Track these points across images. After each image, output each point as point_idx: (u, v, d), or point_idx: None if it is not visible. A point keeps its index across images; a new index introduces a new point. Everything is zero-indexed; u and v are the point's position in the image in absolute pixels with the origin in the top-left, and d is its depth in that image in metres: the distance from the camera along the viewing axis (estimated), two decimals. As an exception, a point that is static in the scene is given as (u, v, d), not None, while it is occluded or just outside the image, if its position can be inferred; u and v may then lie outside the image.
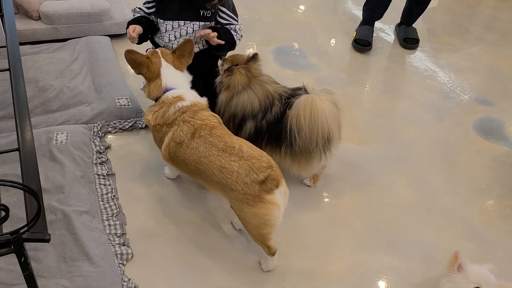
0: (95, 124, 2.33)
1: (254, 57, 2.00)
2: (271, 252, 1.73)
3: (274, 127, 1.93)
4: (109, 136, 2.33)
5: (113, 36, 3.01)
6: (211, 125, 1.75)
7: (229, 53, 2.18)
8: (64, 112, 2.39)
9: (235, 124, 2.00)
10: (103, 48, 2.86)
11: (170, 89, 1.84)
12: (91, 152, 2.18)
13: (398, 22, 3.36)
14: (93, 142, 2.23)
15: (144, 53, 1.90)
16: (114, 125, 2.36)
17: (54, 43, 2.90)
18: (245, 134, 1.98)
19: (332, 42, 3.31)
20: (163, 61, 1.88)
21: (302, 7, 3.76)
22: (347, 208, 2.09)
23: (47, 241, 1.07)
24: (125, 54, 1.82)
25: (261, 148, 1.74)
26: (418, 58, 3.21)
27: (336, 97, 1.95)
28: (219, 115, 1.94)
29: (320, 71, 2.95)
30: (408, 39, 3.21)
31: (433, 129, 2.62)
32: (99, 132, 2.29)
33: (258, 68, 2.02)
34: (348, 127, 2.54)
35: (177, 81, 1.88)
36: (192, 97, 1.83)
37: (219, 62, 2.09)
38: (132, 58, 1.83)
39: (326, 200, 2.13)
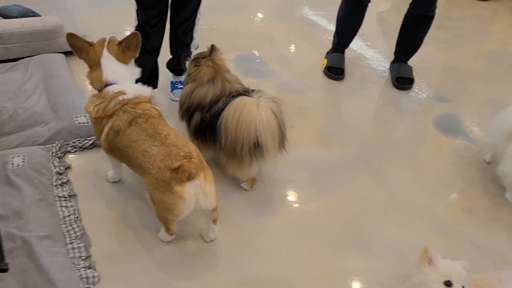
0: (53, 145, 2.23)
1: (213, 47, 2.08)
2: (169, 233, 1.80)
3: (213, 122, 1.96)
4: (69, 156, 2.24)
5: (68, 53, 2.91)
6: (150, 115, 1.78)
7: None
8: (19, 134, 2.28)
9: (189, 114, 2.07)
10: (57, 65, 2.76)
11: (112, 84, 1.84)
12: (50, 173, 2.09)
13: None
14: (52, 163, 2.14)
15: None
16: (74, 144, 2.28)
17: (5, 63, 2.78)
18: (192, 124, 2.05)
19: (292, 48, 3.34)
20: (105, 51, 1.86)
21: (260, 15, 3.78)
22: (317, 212, 2.09)
23: (5, 270, 1.01)
24: (66, 36, 1.83)
25: (202, 140, 1.86)
26: (375, 59, 3.28)
27: (282, 106, 1.97)
28: (180, 105, 2.05)
29: (282, 77, 2.96)
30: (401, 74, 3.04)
31: (395, 128, 2.67)
32: (58, 152, 2.20)
33: (222, 60, 2.09)
34: (312, 131, 2.56)
35: (119, 74, 1.87)
36: (134, 91, 1.84)
37: (186, 63, 2.15)
38: (72, 42, 1.84)
39: (295, 205, 2.12)
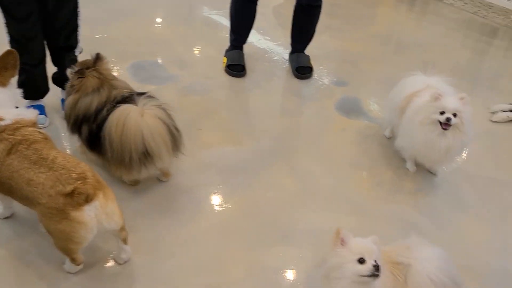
0: None
1: (98, 56, 1.97)
2: (76, 264, 1.67)
3: (99, 131, 1.87)
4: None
5: None
6: (33, 140, 1.61)
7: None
8: None
9: (77, 127, 1.97)
10: None
11: None
12: None
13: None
14: None
15: None
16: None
17: None
18: (83, 137, 1.96)
19: (191, 50, 3.27)
20: None
21: (154, 18, 3.64)
22: (234, 212, 2.05)
23: None
24: None
25: (95, 153, 1.73)
26: (275, 52, 3.32)
27: (169, 111, 1.94)
28: (67, 119, 1.93)
29: (183, 80, 2.88)
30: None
31: (301, 117, 2.73)
32: None
33: (108, 69, 2.01)
34: (221, 131, 2.52)
35: None
36: (13, 115, 1.66)
37: (68, 71, 2.02)
38: None
39: (212, 209, 2.07)
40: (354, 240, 1.41)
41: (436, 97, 2.07)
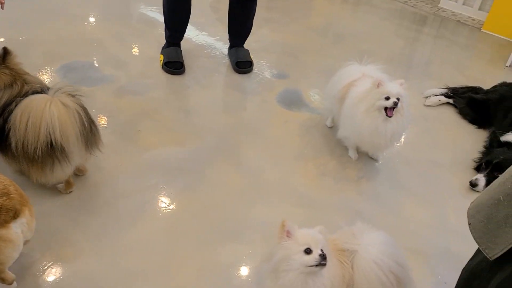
0: None
1: (5, 51, 1.86)
2: (8, 283, 1.55)
3: (5, 125, 1.75)
4: None
5: None
6: None
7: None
8: None
9: None
10: None
11: None
12: None
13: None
14: None
15: None
16: None
17: None
18: None
19: (127, 49, 3.13)
20: None
21: (86, 18, 3.46)
22: (181, 213, 1.99)
23: None
24: None
25: (3, 152, 1.62)
26: (214, 47, 3.27)
27: (82, 98, 1.85)
28: None
29: (118, 81, 2.75)
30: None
31: (243, 112, 2.70)
32: None
33: (19, 63, 1.90)
34: (162, 131, 2.44)
35: None
36: None
37: None
38: None
39: (157, 212, 1.99)
40: (300, 231, 1.40)
41: (378, 84, 2.11)
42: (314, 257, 1.33)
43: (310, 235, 1.38)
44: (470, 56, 3.86)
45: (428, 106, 3.00)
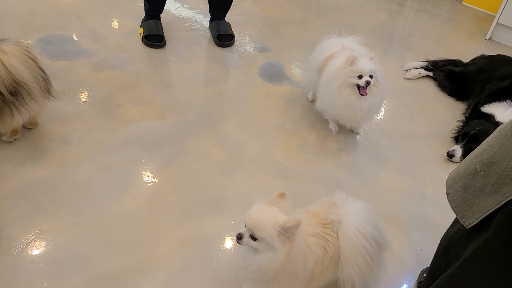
0: None
1: None
2: None
3: None
4: None
5: None
6: None
7: None
8: None
9: None
10: None
11: None
12: None
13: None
14: None
15: None
16: None
17: None
18: None
19: (105, 22, 3.07)
20: None
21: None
22: (162, 187, 2.00)
23: None
24: None
25: None
26: (195, 21, 3.22)
27: (31, 50, 1.90)
28: None
29: (97, 55, 2.70)
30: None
31: (225, 85, 2.69)
32: None
33: None
34: (142, 105, 2.42)
35: None
36: None
37: None
38: None
39: (140, 185, 2.00)
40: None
41: (352, 61, 2.11)
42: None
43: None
44: (450, 29, 3.88)
45: (408, 79, 3.03)
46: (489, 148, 1.16)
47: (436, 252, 1.57)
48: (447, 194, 1.29)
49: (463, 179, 1.24)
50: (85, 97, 2.40)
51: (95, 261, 1.68)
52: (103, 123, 2.26)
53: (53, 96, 2.01)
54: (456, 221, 1.48)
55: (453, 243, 1.42)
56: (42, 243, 1.70)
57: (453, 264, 1.30)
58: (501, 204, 1.11)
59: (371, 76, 2.11)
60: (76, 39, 2.81)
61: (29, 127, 2.11)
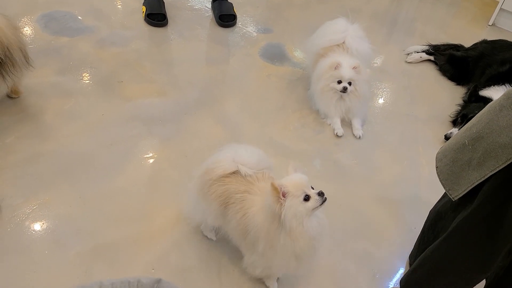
0: None
1: None
2: None
3: None
4: None
5: None
6: None
7: None
8: None
9: None
10: None
11: None
12: None
13: None
14: None
15: None
16: None
17: None
18: None
19: (108, 0, 3.07)
20: None
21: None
22: (162, 163, 2.04)
23: None
24: None
25: None
26: (197, 0, 3.22)
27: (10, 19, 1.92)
28: None
29: (99, 32, 2.72)
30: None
31: (226, 65, 2.71)
32: None
33: None
34: (144, 83, 2.44)
35: None
36: None
37: None
38: None
39: (140, 160, 2.03)
40: (288, 184, 1.36)
41: (335, 67, 2.25)
42: (315, 199, 1.37)
43: (297, 181, 1.38)
44: (454, 14, 3.86)
45: (409, 62, 3.03)
46: (478, 122, 1.19)
47: (424, 225, 1.61)
48: (436, 167, 1.32)
49: (452, 153, 1.27)
50: (87, 73, 2.42)
51: (95, 232, 1.72)
52: (105, 100, 2.29)
53: (31, 66, 2.03)
54: (444, 195, 1.51)
55: (440, 216, 1.45)
56: (44, 213, 1.75)
57: (440, 236, 1.33)
58: (485, 177, 1.14)
59: (350, 83, 2.27)
60: (79, 16, 2.82)
61: (13, 96, 2.15)
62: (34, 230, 1.69)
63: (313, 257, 1.51)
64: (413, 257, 1.63)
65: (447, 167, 1.29)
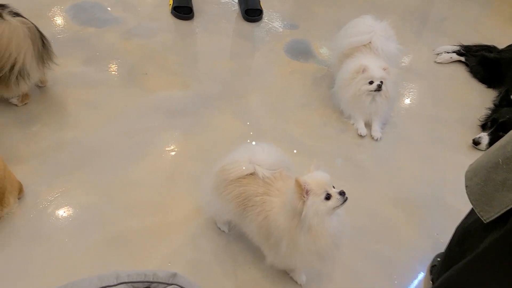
0: None
1: None
2: None
3: None
4: None
5: None
6: None
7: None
8: None
9: None
10: None
11: None
12: None
13: None
14: None
15: None
16: None
17: None
18: None
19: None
20: None
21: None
22: (180, 155, 2.04)
23: None
24: None
25: None
26: (224, -5, 3.21)
27: (29, 22, 1.93)
28: None
29: (126, 23, 2.74)
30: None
31: (249, 60, 2.69)
32: None
33: None
34: (167, 75, 2.45)
35: None
36: None
37: None
38: None
39: (159, 151, 2.04)
40: (311, 182, 1.35)
41: (363, 70, 2.20)
42: (336, 198, 1.36)
43: (320, 179, 1.37)
44: (488, 13, 3.72)
45: (439, 63, 2.94)
46: None
47: (450, 240, 1.54)
48: (466, 186, 1.24)
49: (484, 172, 1.19)
50: (113, 64, 2.45)
51: (114, 222, 1.74)
52: (128, 90, 2.31)
53: (55, 63, 2.08)
54: (472, 211, 1.44)
55: (469, 234, 1.38)
56: (65, 202, 1.78)
57: (468, 255, 1.27)
58: None
59: (381, 82, 2.21)
60: (107, 7, 2.85)
61: (39, 85, 2.20)
62: (55, 218, 1.72)
63: (335, 254, 1.50)
64: (436, 273, 1.57)
65: (478, 187, 1.21)
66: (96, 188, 1.85)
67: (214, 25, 2.88)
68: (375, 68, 2.21)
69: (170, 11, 2.89)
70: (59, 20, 2.65)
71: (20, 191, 1.71)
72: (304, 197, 1.34)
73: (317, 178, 1.38)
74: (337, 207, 1.37)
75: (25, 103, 2.11)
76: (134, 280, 1.49)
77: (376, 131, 2.31)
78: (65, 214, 1.74)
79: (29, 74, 1.92)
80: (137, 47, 2.57)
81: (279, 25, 3.00)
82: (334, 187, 1.39)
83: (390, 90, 2.27)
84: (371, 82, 2.21)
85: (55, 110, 2.13)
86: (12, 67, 1.84)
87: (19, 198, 1.71)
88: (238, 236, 1.72)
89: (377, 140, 2.29)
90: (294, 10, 3.22)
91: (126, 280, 1.46)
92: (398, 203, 2.00)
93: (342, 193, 1.37)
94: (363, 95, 2.25)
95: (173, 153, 2.05)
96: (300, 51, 2.80)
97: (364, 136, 2.29)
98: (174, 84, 2.39)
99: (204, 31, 2.82)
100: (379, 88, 2.20)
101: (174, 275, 1.48)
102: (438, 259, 1.71)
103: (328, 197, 1.36)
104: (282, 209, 1.42)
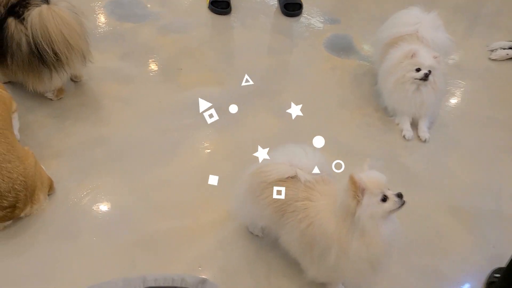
0: None
1: None
2: None
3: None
4: None
5: None
6: None
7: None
8: None
9: None
10: None
11: None
12: None
13: None
14: None
15: None
16: None
17: None
18: None
19: (173, -13, 3.04)
20: None
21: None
22: (214, 154, 1.97)
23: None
24: None
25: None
26: (263, -11, 3.11)
27: (78, 14, 1.89)
28: None
29: (163, 18, 2.69)
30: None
31: (288, 55, 2.58)
32: None
33: None
34: (203, 71, 2.38)
35: None
36: None
37: None
38: None
39: (193, 150, 1.97)
40: (366, 181, 1.25)
41: (412, 55, 2.01)
42: (393, 200, 1.26)
43: (376, 179, 1.27)
44: (549, 7, 3.43)
45: (493, 60, 2.72)
46: None
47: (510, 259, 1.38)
48: None
49: None
50: (148, 59, 2.40)
51: (142, 222, 1.68)
52: (163, 86, 2.25)
53: (90, 61, 2.02)
54: None
55: None
56: (95, 199, 1.73)
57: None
58: None
59: (429, 71, 2.01)
60: (144, 2, 2.81)
61: (75, 80, 2.17)
62: (84, 216, 1.68)
63: (387, 264, 1.37)
64: (498, 287, 1.41)
65: None
66: (127, 186, 1.80)
67: (252, 20, 2.79)
68: (426, 54, 2.01)
69: (207, 5, 2.82)
70: (97, 15, 2.64)
71: (51, 188, 1.67)
72: (358, 196, 1.22)
73: (373, 177, 1.28)
74: (394, 210, 1.26)
75: (60, 98, 2.09)
76: (161, 285, 1.41)
77: (424, 131, 2.13)
78: (93, 213, 1.69)
79: (68, 66, 1.88)
80: (173, 42, 2.52)
81: (320, 20, 2.87)
82: (389, 189, 1.27)
83: (438, 82, 2.06)
84: (418, 70, 2.01)
85: (89, 105, 2.11)
86: (56, 54, 1.79)
87: (49, 195, 1.67)
88: (271, 242, 1.61)
89: (425, 141, 2.12)
90: (335, 4, 3.07)
91: (153, 285, 1.38)
92: (449, 211, 1.84)
93: (400, 196, 1.26)
94: (407, 82, 2.05)
95: (206, 152, 1.98)
96: (341, 47, 2.66)
97: (409, 140, 2.12)
98: (209, 80, 2.32)
99: (242, 26, 2.73)
100: (426, 77, 2.00)
101: (204, 281, 1.39)
102: (495, 275, 1.54)
103: (384, 199, 1.25)
104: (330, 211, 1.30)
